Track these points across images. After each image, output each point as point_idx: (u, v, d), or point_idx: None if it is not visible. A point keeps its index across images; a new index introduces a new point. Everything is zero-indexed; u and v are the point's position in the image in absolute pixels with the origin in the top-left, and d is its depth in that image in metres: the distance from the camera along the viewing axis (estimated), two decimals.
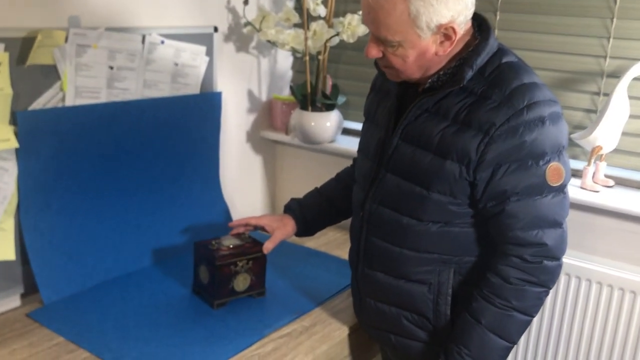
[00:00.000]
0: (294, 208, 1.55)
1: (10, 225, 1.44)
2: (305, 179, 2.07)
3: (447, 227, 1.23)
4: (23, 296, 1.51)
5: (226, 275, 1.49)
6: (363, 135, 1.42)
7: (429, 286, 1.27)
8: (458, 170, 1.17)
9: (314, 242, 1.93)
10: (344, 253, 1.86)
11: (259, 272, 1.55)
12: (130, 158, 1.66)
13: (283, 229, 1.50)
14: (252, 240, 1.56)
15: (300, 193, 1.60)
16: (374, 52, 1.19)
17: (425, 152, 1.20)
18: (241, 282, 1.52)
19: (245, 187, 2.14)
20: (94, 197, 1.59)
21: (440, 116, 1.19)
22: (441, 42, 1.15)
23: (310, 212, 1.54)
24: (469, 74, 1.16)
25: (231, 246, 1.53)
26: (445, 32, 1.14)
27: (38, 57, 1.42)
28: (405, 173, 1.24)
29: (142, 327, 1.40)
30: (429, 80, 1.20)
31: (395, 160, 1.25)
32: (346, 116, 2.06)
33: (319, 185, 1.61)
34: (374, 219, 1.31)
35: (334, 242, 1.96)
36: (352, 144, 1.98)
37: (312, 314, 1.52)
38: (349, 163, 1.66)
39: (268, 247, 1.50)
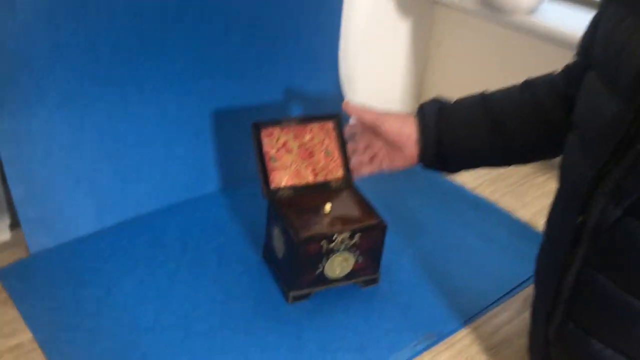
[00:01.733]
0: (428, 114, 0.84)
1: None
2: (476, 69, 1.30)
3: None
4: (13, 227, 0.99)
5: (312, 256, 0.86)
6: (608, 32, 0.63)
7: None
8: None
9: (470, 176, 1.22)
10: (527, 210, 1.15)
11: (372, 250, 0.90)
12: (188, 20, 1.00)
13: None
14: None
15: (461, 92, 0.87)
16: None
17: None
18: (337, 266, 0.88)
19: (376, 73, 1.41)
20: (122, 82, 0.97)
21: None
22: None
23: (452, 132, 0.83)
24: None
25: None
26: None
27: None
28: None
29: (163, 329, 0.83)
30: None
31: None
32: None
33: (494, 85, 0.86)
34: (612, 238, 0.58)
35: (508, 180, 1.23)
36: (566, 22, 1.14)
37: (454, 342, 0.86)
38: (553, 55, 0.89)
39: (363, 114, 0.88)
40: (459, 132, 0.83)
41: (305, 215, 0.87)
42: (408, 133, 0.85)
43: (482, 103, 0.84)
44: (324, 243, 0.84)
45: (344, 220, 0.87)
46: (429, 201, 1.13)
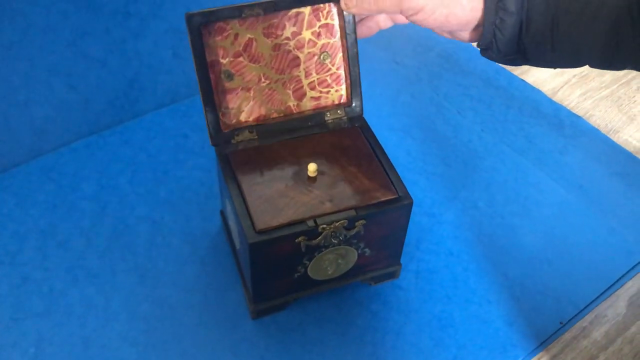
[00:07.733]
0: None
1: None
2: None
3: None
4: None
5: (283, 257, 0.51)
6: None
7: None
8: None
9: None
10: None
11: (388, 238, 0.54)
12: None
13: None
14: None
15: None
16: None
17: None
18: (329, 265, 0.54)
19: None
20: None
21: None
22: None
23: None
24: None
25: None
26: None
27: None
28: None
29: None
30: None
31: None
32: None
33: None
34: None
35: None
36: None
37: None
38: None
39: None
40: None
41: (274, 184, 0.51)
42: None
43: None
44: (301, 240, 0.49)
45: (340, 193, 0.51)
46: (493, 123, 0.75)
